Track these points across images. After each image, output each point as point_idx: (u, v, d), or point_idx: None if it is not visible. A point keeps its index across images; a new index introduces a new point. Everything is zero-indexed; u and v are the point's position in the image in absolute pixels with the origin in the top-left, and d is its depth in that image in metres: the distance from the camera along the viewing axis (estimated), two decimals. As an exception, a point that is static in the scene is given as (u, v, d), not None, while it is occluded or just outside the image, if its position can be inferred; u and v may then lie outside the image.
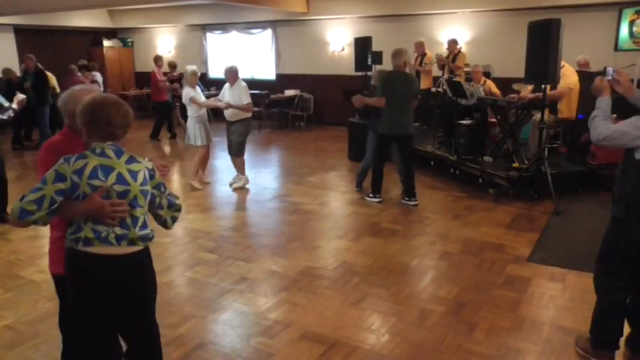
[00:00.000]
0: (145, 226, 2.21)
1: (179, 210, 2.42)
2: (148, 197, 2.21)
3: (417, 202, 6.07)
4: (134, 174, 2.14)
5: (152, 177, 2.23)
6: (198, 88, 6.98)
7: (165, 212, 2.34)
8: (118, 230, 2.11)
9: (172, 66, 11.11)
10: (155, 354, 2.45)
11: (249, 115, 6.66)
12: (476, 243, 4.86)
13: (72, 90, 2.44)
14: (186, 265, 4.46)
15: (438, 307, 3.64)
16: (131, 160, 2.16)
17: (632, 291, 2.90)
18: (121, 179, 2.10)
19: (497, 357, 3.06)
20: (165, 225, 2.39)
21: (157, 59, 10.82)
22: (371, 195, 6.26)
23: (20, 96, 5.22)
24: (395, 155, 6.26)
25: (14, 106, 5.14)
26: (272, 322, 3.46)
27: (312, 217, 5.70)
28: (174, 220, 2.40)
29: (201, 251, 4.74)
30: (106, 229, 2.09)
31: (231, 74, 6.60)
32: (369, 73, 9.56)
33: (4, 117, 5.11)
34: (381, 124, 5.96)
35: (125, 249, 2.14)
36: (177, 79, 10.48)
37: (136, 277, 2.23)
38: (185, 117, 7.46)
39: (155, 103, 11.07)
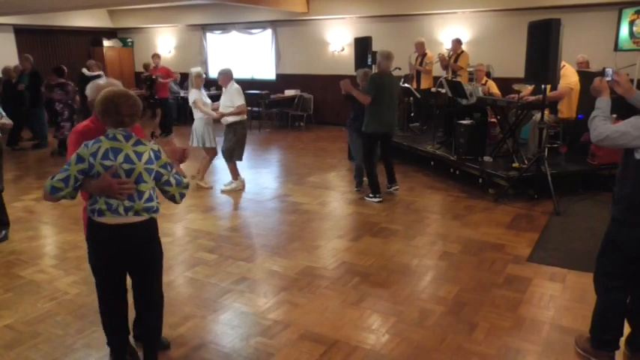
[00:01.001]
0: (150, 199, 2.57)
1: (186, 187, 2.69)
2: (153, 174, 2.55)
3: (397, 187, 6.60)
4: (139, 155, 2.50)
5: (158, 157, 2.57)
6: (203, 90, 6.94)
7: (174, 189, 2.64)
8: (127, 203, 2.50)
9: (145, 67, 11.58)
10: (155, 319, 2.83)
11: (239, 119, 6.52)
12: (476, 243, 4.87)
13: (95, 83, 2.81)
14: (186, 265, 4.47)
15: (438, 307, 3.64)
16: (137, 143, 2.53)
17: (632, 291, 2.90)
18: (127, 159, 2.47)
19: (497, 357, 3.06)
20: (173, 199, 2.68)
21: (154, 57, 11.21)
22: (371, 195, 6.31)
23: (6, 121, 5.10)
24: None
25: None
26: (272, 322, 3.46)
27: (312, 217, 5.71)
28: (182, 195, 2.68)
29: (201, 251, 4.74)
30: (116, 201, 2.48)
31: (222, 77, 6.50)
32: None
33: None
34: (369, 123, 6.10)
35: (132, 218, 2.52)
36: (144, 80, 11.09)
37: (140, 243, 2.61)
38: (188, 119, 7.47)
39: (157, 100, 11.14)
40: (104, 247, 2.57)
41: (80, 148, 2.46)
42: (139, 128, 2.83)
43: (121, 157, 2.46)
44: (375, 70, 7.27)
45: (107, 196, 2.46)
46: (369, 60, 9.29)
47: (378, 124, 6.08)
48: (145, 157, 2.50)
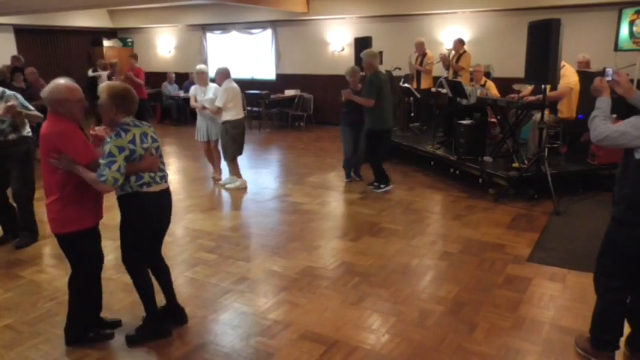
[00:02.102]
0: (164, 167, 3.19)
1: None
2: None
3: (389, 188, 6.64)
4: (154, 134, 3.10)
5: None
6: (198, 87, 6.96)
7: None
8: (160, 173, 3.09)
9: (101, 65, 11.60)
10: (165, 263, 3.43)
11: (230, 118, 6.55)
12: (476, 243, 4.87)
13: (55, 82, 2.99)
14: (186, 265, 4.47)
15: (438, 307, 3.64)
16: (147, 126, 3.10)
17: (632, 291, 2.90)
18: (153, 140, 3.06)
19: (497, 357, 3.06)
20: None
21: (131, 57, 11.26)
22: (382, 186, 6.57)
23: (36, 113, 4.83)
24: (361, 145, 6.80)
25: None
26: (272, 322, 3.46)
27: (312, 217, 5.70)
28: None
29: (201, 251, 4.74)
30: (154, 174, 3.03)
31: (219, 76, 6.59)
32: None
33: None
34: (376, 121, 6.30)
35: (166, 185, 3.16)
36: (91, 81, 11.11)
37: (171, 203, 3.24)
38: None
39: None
40: (159, 211, 3.12)
41: (114, 140, 2.84)
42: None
43: (149, 139, 3.01)
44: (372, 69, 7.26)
45: (149, 171, 2.99)
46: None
47: (384, 121, 6.32)
48: (155, 136, 3.10)
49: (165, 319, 3.35)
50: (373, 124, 6.30)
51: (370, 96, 6.16)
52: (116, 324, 3.42)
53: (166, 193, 3.15)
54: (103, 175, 2.78)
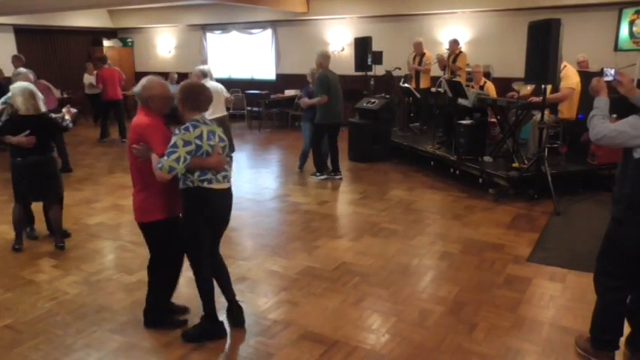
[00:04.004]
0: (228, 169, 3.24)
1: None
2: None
3: (342, 176, 7.28)
4: (222, 134, 3.17)
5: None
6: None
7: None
8: (223, 173, 3.14)
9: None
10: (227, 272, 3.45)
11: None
12: (476, 243, 4.87)
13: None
14: (186, 264, 4.45)
15: (438, 307, 3.64)
16: (217, 125, 3.22)
17: (632, 291, 2.90)
18: (220, 139, 3.13)
19: (497, 357, 3.06)
20: None
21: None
22: (318, 174, 7.26)
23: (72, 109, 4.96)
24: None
25: (67, 117, 4.85)
26: (272, 322, 3.46)
27: (312, 217, 5.71)
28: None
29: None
30: (216, 173, 3.08)
31: (196, 77, 6.75)
32: (368, 73, 9.58)
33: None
34: (323, 116, 6.96)
35: (228, 184, 3.20)
36: None
37: (231, 204, 3.28)
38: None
39: (110, 102, 10.68)
40: (213, 207, 3.15)
41: (182, 134, 2.95)
42: None
43: (216, 138, 3.09)
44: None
45: (215, 169, 3.06)
46: (369, 60, 9.31)
47: (330, 115, 6.97)
48: (223, 136, 3.17)
49: (218, 321, 3.34)
50: (321, 117, 6.97)
51: (321, 93, 6.86)
52: (185, 310, 3.56)
53: (226, 193, 3.21)
54: (161, 162, 2.91)
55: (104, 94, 10.48)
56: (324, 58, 6.97)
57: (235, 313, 3.38)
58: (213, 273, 3.30)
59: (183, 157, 2.93)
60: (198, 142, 2.98)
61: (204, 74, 6.83)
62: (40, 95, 4.71)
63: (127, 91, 11.07)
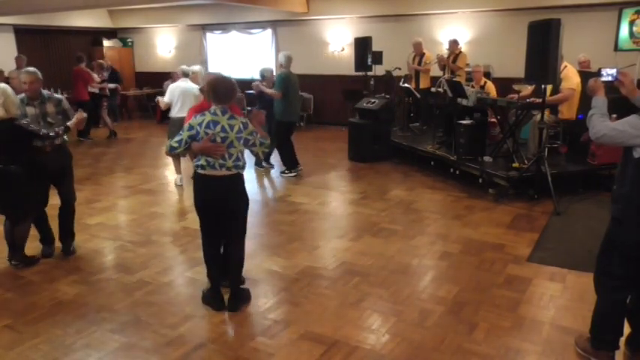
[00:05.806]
0: (237, 159, 3.45)
1: (268, 147, 3.68)
2: (242, 140, 3.42)
3: (298, 172, 7.58)
4: (232, 127, 3.38)
5: (246, 127, 3.44)
6: (170, 84, 7.43)
7: (258, 149, 3.59)
8: (220, 161, 3.38)
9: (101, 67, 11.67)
10: (239, 249, 3.68)
11: (171, 115, 6.87)
12: (476, 243, 4.86)
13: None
14: (186, 265, 4.47)
15: (437, 307, 3.64)
16: (231, 117, 3.40)
17: (632, 291, 2.90)
18: (223, 129, 3.36)
19: (497, 357, 3.06)
20: (258, 157, 3.83)
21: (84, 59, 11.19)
22: (287, 171, 7.52)
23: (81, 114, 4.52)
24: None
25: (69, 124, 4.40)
26: (272, 322, 3.46)
27: (312, 217, 5.71)
28: (264, 153, 4.10)
29: (201, 251, 4.71)
30: (213, 159, 3.37)
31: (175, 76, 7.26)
32: (368, 73, 9.58)
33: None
34: (284, 114, 7.32)
35: (223, 172, 3.42)
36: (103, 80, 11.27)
37: (229, 191, 3.49)
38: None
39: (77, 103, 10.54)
40: (204, 192, 3.48)
41: (191, 119, 3.40)
42: (234, 106, 3.59)
43: (218, 128, 3.34)
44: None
45: (207, 155, 3.35)
46: (369, 60, 9.31)
47: (292, 113, 7.44)
48: (235, 128, 3.38)
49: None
50: (281, 116, 7.31)
51: (279, 90, 7.21)
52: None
53: (218, 180, 3.42)
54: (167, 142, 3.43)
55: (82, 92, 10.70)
56: (287, 59, 7.45)
57: (230, 299, 3.67)
58: (224, 256, 3.70)
59: (184, 140, 3.36)
60: (198, 128, 3.35)
61: (185, 74, 7.04)
62: (15, 100, 4.10)
63: (128, 91, 11.04)
